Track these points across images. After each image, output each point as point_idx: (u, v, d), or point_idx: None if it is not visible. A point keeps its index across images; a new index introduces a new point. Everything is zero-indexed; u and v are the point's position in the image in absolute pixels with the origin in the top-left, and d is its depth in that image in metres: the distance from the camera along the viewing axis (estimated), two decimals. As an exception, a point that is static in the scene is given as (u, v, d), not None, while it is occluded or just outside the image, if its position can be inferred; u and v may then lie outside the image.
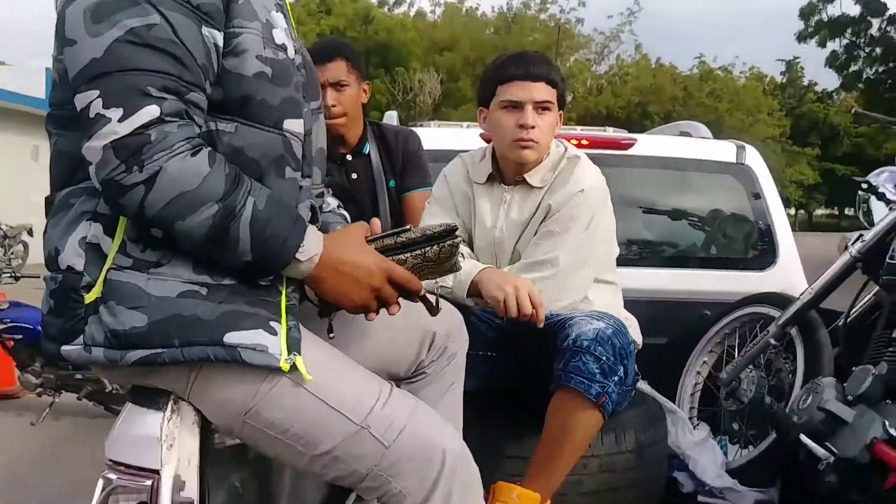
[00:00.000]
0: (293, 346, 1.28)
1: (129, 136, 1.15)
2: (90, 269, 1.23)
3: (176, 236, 1.22)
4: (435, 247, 1.43)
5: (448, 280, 2.13)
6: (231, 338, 1.24)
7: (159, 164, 1.15)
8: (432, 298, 1.51)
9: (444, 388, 1.68)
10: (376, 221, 1.51)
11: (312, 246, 1.31)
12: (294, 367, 1.27)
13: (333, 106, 2.60)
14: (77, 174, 1.28)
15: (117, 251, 1.23)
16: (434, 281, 1.57)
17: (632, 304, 2.83)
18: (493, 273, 2.10)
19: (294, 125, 1.36)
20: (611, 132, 3.83)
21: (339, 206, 1.76)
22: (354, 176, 2.75)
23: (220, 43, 1.26)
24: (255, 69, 1.29)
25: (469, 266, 2.13)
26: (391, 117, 3.73)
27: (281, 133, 1.33)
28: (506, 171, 2.29)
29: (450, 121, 4.89)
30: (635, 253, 3.34)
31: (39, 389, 4.52)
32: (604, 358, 1.93)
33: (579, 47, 21.54)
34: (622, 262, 3.14)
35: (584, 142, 3.24)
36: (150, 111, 1.16)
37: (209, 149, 1.22)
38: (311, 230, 1.33)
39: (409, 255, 1.43)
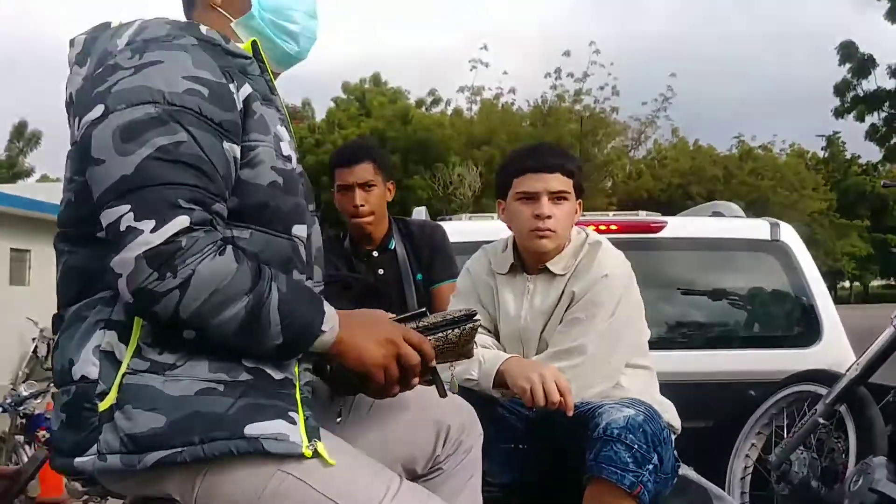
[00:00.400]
0: (312, 433, 1.30)
1: (161, 245, 1.20)
2: (105, 377, 1.25)
3: (210, 333, 1.25)
4: (456, 329, 1.48)
5: (473, 371, 2.10)
6: (252, 429, 1.25)
7: (192, 268, 1.21)
8: (444, 377, 1.52)
9: (462, 484, 1.63)
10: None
11: (332, 316, 1.35)
12: (316, 453, 1.28)
13: (362, 206, 2.67)
14: (91, 288, 1.32)
15: (133, 355, 1.26)
16: (449, 365, 1.59)
17: (673, 387, 2.75)
18: (518, 362, 2.07)
19: (300, 230, 1.41)
20: (643, 216, 3.82)
21: None
22: (381, 271, 2.78)
23: (238, 156, 1.33)
24: (270, 179, 1.35)
25: (493, 356, 2.10)
26: (419, 213, 3.79)
27: (290, 238, 1.39)
28: (527, 260, 2.29)
29: (490, 212, 4.94)
30: (674, 335, 3.28)
31: (86, 497, 4.51)
32: (636, 446, 1.87)
33: (616, 134, 21.72)
34: (661, 345, 3.09)
35: (614, 227, 3.24)
36: (181, 221, 1.21)
37: (232, 247, 1.27)
38: (326, 304, 1.38)
39: (431, 337, 1.46)
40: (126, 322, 1.28)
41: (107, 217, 1.23)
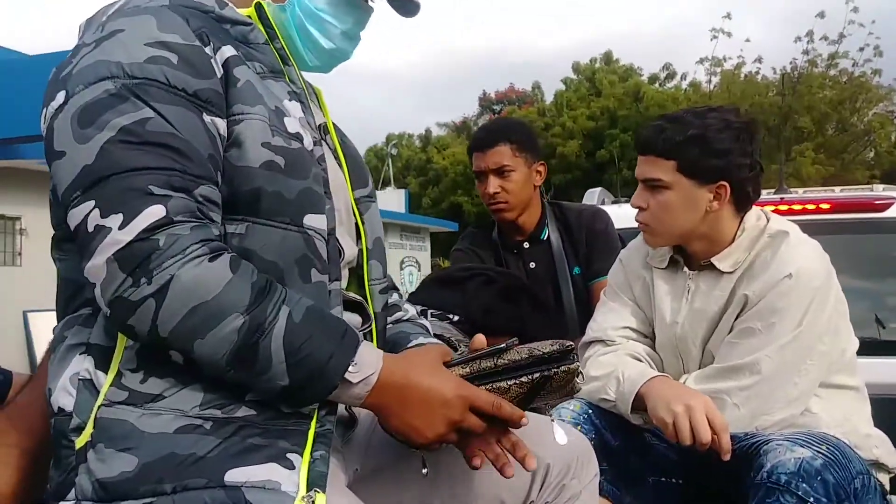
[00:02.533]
0: (315, 481, 1.03)
1: (133, 242, 0.99)
2: (80, 409, 1.06)
3: (197, 360, 1.03)
4: (544, 373, 1.15)
5: (610, 391, 1.75)
6: (234, 475, 1.01)
7: (170, 273, 0.99)
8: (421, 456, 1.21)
9: None
10: (480, 338, 1.25)
11: (368, 363, 1.08)
12: None
13: (496, 192, 2.38)
14: (71, 304, 1.15)
15: (111, 384, 1.07)
16: (545, 404, 1.23)
17: None
18: (663, 386, 1.68)
19: (316, 221, 1.15)
20: (879, 190, 3.18)
21: (420, 314, 1.49)
22: (532, 265, 2.47)
23: (224, 132, 1.11)
24: (264, 158, 1.11)
25: (636, 374, 1.73)
26: (591, 195, 3.41)
27: (301, 230, 1.13)
28: (689, 253, 1.87)
29: None
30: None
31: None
32: (811, 499, 1.43)
33: (879, 99, 19.39)
34: (890, 350, 2.52)
35: (825, 206, 2.68)
36: (154, 212, 1.01)
37: (232, 254, 1.05)
38: (367, 345, 1.10)
39: (512, 382, 1.15)
40: (105, 345, 1.08)
41: (73, 218, 1.04)
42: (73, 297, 1.15)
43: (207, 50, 1.12)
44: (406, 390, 1.10)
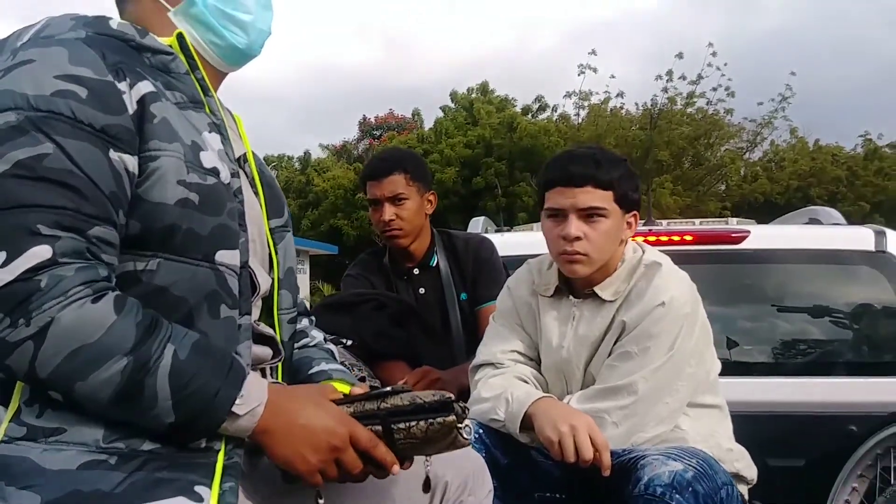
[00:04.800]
0: None
1: (13, 282, 0.99)
2: None
3: (78, 398, 1.03)
4: (422, 422, 1.17)
5: (499, 411, 1.84)
6: None
7: (50, 315, 0.99)
8: (424, 471, 1.24)
9: None
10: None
11: (254, 395, 1.10)
12: None
13: (391, 220, 2.44)
14: None
15: (10, 419, 1.05)
16: (424, 459, 1.28)
17: (759, 420, 2.44)
18: (550, 406, 1.79)
19: (228, 257, 1.17)
20: (734, 223, 3.45)
21: (325, 340, 1.54)
22: (422, 291, 2.55)
23: (135, 169, 1.10)
24: (178, 196, 1.12)
25: (523, 395, 1.83)
26: (475, 224, 3.53)
27: (213, 266, 1.15)
28: (573, 282, 2.00)
29: None
30: (759, 360, 2.91)
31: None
32: (683, 509, 1.56)
33: (730, 137, 20.70)
34: (742, 371, 2.74)
35: (688, 237, 2.90)
36: (39, 252, 1.00)
37: (117, 293, 1.05)
38: (254, 377, 1.13)
39: (392, 427, 1.18)
40: (5, 379, 1.06)
41: None
42: None
43: (121, 85, 1.11)
44: (291, 416, 1.13)
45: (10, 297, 0.99)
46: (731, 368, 2.60)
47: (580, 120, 20.82)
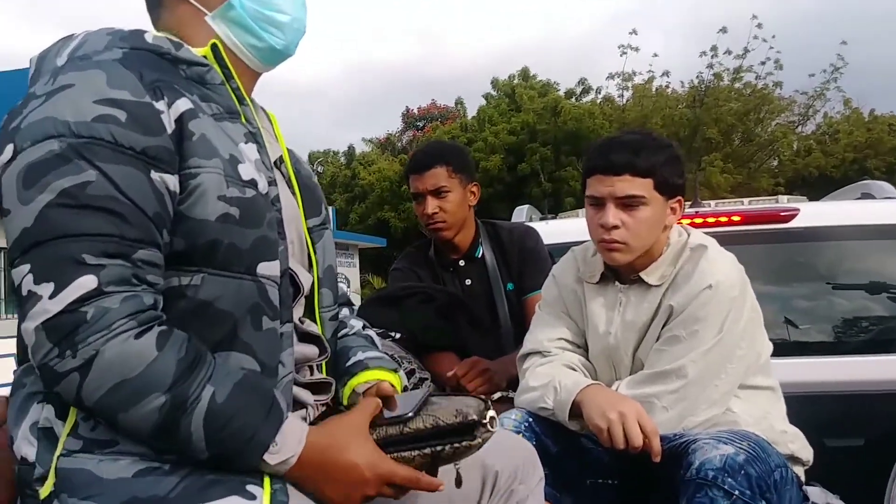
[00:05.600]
0: None
1: (61, 314, 1.01)
2: (42, 459, 1.09)
3: (122, 429, 1.07)
4: (447, 447, 1.19)
5: (548, 400, 1.85)
6: None
7: (95, 348, 1.02)
8: (453, 472, 1.26)
9: None
10: (385, 387, 1.34)
11: (289, 444, 1.12)
12: None
13: (434, 213, 2.46)
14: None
15: (68, 434, 1.09)
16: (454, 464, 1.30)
17: (817, 400, 2.40)
18: (598, 393, 1.79)
19: (269, 268, 1.19)
20: (784, 202, 3.39)
21: (364, 328, 1.57)
22: (468, 282, 2.57)
23: (175, 187, 1.12)
24: (219, 212, 1.14)
25: (571, 383, 1.84)
26: (520, 213, 3.52)
27: (255, 279, 1.17)
28: (618, 268, 1.99)
29: None
30: (814, 339, 2.85)
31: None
32: (736, 492, 1.55)
33: (781, 111, 20.23)
34: (797, 351, 2.69)
35: (736, 218, 2.86)
36: (85, 283, 1.02)
37: (161, 328, 1.07)
38: (291, 422, 1.14)
39: (416, 453, 1.20)
40: None
41: (14, 277, 1.06)
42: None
43: (159, 105, 1.12)
44: (325, 468, 1.14)
45: (58, 328, 1.01)
46: (786, 348, 2.57)
47: (625, 101, 20.57)
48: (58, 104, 1.08)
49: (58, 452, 1.08)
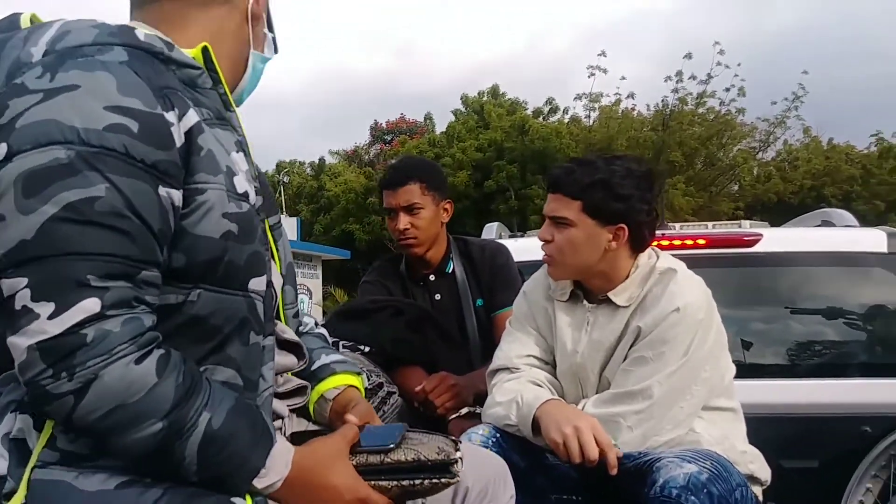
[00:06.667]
0: None
1: (59, 336, 0.97)
2: (13, 471, 1.04)
3: (111, 451, 1.05)
4: (426, 482, 1.23)
5: (512, 415, 1.88)
6: None
7: (94, 372, 0.98)
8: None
9: None
10: (353, 419, 1.33)
11: (276, 468, 1.13)
12: None
13: (406, 229, 2.48)
14: (7, 359, 1.07)
15: (44, 445, 1.06)
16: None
17: (774, 421, 2.45)
18: (555, 409, 1.83)
19: (258, 283, 1.19)
20: (746, 226, 3.47)
21: (316, 325, 1.60)
22: (438, 297, 2.59)
23: (179, 202, 1.08)
24: (223, 229, 1.11)
25: (532, 398, 1.88)
26: (489, 230, 3.56)
27: (246, 294, 1.16)
28: (587, 287, 2.03)
29: None
30: (773, 363, 2.92)
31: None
32: (698, 510, 1.59)
33: (743, 136, 20.63)
34: (757, 373, 2.75)
35: (702, 241, 2.92)
36: (88, 306, 0.98)
37: (160, 351, 1.04)
38: (279, 446, 1.14)
39: (394, 483, 1.23)
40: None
41: (4, 287, 1.00)
42: (5, 353, 1.06)
43: (170, 116, 1.07)
44: (308, 488, 1.15)
45: (55, 349, 0.97)
46: (745, 371, 2.62)
47: (592, 122, 20.81)
48: (62, 106, 1.01)
49: (31, 464, 1.05)
